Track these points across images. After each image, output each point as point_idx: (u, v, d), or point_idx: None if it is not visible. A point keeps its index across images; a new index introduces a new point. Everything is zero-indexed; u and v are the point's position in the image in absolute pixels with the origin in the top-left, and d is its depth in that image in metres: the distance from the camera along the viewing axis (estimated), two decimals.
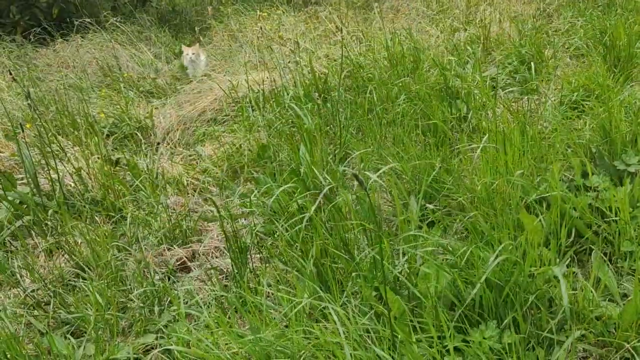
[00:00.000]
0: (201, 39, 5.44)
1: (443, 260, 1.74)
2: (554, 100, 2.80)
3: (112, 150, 3.25)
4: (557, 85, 3.05)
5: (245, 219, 2.41)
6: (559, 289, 1.57)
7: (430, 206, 2.07)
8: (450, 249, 1.74)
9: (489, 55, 3.81)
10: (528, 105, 2.76)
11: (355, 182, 2.16)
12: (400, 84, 3.05)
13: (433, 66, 3.32)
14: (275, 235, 2.10)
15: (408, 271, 1.73)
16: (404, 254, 1.81)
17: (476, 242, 1.68)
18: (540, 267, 1.63)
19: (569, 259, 1.77)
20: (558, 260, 1.73)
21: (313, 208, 1.73)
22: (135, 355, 1.75)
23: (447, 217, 2.03)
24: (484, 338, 1.46)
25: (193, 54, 4.60)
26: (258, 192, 2.43)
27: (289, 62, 3.99)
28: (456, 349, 1.45)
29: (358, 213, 1.97)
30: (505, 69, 3.47)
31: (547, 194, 1.90)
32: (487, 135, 2.07)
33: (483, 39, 3.88)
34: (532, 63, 3.24)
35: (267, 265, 2.03)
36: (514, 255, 1.55)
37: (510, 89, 3.15)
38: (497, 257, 1.50)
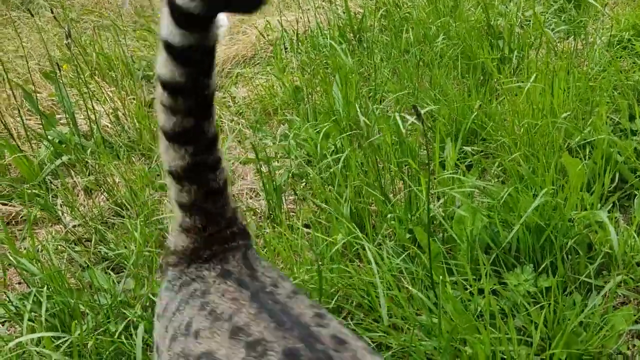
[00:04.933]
0: None
1: (479, 203, 1.71)
2: (602, 40, 2.66)
3: (146, 91, 3.25)
4: (606, 25, 2.89)
5: (278, 162, 2.40)
6: (600, 234, 1.53)
7: (468, 148, 2.02)
8: (488, 191, 1.70)
9: None
10: (574, 46, 2.63)
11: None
12: (439, 24, 2.93)
13: (474, 5, 3.17)
14: (310, 177, 2.09)
15: (443, 214, 1.71)
16: (438, 198, 1.79)
17: (515, 184, 1.64)
18: (581, 211, 1.58)
19: (611, 205, 1.72)
20: (600, 205, 1.68)
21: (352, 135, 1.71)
22: None
23: (484, 160, 1.98)
24: (519, 282, 1.45)
25: None
26: (291, 133, 2.42)
27: (322, 1, 3.87)
28: (491, 292, 1.44)
29: (395, 154, 1.94)
30: (550, 7, 3.30)
31: (592, 138, 1.83)
32: (535, 75, 1.98)
33: None
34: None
35: (301, 206, 2.03)
36: (555, 199, 1.51)
37: (556, 29, 3.01)
38: (537, 199, 1.46)
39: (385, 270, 1.47)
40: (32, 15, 3.65)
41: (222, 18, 3.06)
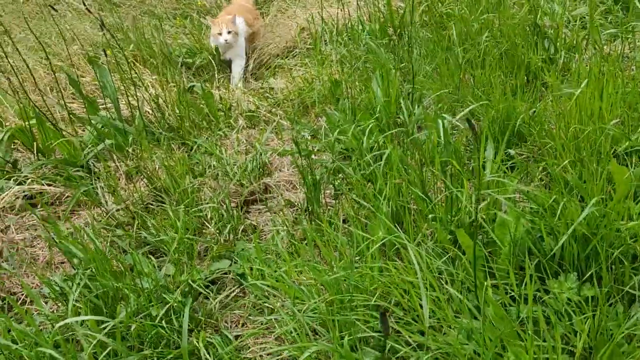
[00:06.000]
0: None
1: (522, 207, 1.69)
2: None
3: (186, 79, 3.29)
4: None
5: (316, 155, 2.41)
6: None
7: (512, 151, 2.00)
8: (532, 196, 1.68)
9: None
10: (621, 49, 2.57)
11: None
12: (482, 21, 2.90)
13: (518, 2, 3.12)
14: (347, 172, 2.10)
15: (484, 217, 1.69)
16: (477, 200, 1.77)
17: (561, 190, 1.62)
18: (627, 221, 1.56)
19: None
20: None
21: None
22: (211, 278, 1.83)
23: (528, 164, 1.96)
24: (563, 289, 1.43)
25: (229, 32, 3.32)
26: (329, 128, 2.42)
27: None
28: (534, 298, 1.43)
29: (439, 153, 1.93)
30: (597, 8, 3.23)
31: None
32: (587, 80, 1.95)
33: None
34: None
35: (339, 201, 2.04)
36: (604, 209, 1.49)
37: (604, 31, 2.94)
38: (588, 208, 1.44)
39: (426, 270, 1.47)
40: (56, 11, 3.55)
41: (240, 21, 2.89)
